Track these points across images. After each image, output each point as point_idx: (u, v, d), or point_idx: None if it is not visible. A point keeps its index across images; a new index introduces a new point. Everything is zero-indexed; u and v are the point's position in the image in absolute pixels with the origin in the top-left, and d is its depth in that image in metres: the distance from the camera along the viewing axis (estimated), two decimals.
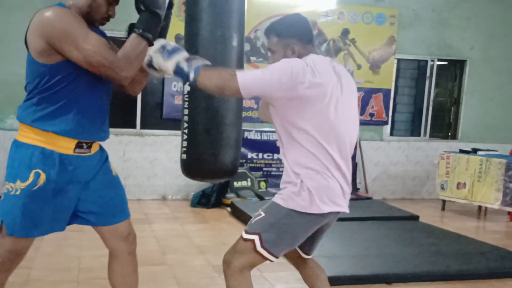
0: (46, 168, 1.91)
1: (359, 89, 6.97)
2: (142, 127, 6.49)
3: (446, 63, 7.48)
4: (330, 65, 2.13)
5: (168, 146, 6.48)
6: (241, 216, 5.49)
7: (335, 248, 4.25)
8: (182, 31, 6.20)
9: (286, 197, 2.05)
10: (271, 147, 6.73)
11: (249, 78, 2.01)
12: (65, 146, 1.94)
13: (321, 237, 2.27)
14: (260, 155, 6.74)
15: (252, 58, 6.75)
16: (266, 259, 2.08)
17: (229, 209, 5.95)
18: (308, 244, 2.25)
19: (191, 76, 2.03)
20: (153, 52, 2.06)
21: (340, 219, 5.73)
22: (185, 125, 3.11)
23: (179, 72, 2.05)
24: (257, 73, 2.04)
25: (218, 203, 6.11)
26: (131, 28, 2.00)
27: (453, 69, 7.52)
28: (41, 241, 4.11)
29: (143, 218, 5.47)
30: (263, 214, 2.08)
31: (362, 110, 7.03)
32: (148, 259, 3.97)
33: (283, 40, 2.16)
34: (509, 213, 5.99)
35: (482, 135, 7.38)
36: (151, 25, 1.95)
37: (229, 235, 4.89)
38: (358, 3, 6.87)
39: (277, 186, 6.74)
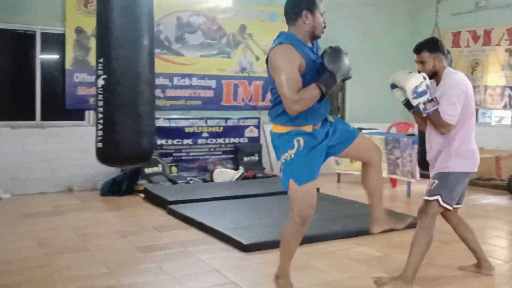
0: (302, 136, 2.69)
1: (259, 78, 7.54)
2: (43, 118, 6.34)
3: None
4: None
5: (72, 137, 6.41)
6: (155, 200, 5.64)
7: (252, 221, 4.63)
8: (83, 24, 6.45)
9: (451, 165, 3.09)
10: (180, 133, 6.96)
11: (449, 116, 3.02)
12: (307, 129, 2.73)
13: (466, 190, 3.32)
14: (170, 141, 6.91)
15: (156, 51, 7.16)
16: (447, 209, 3.12)
17: (142, 195, 6.05)
18: (461, 196, 3.27)
19: (424, 114, 3.04)
20: (409, 88, 2.98)
21: (252, 195, 6.13)
22: (100, 116, 3.36)
23: (417, 109, 3.05)
24: (451, 110, 3.01)
25: (130, 190, 6.16)
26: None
27: None
28: None
29: (51, 211, 5.34)
30: (437, 182, 3.10)
31: (263, 97, 7.58)
32: (68, 248, 4.00)
33: (433, 54, 3.12)
34: (391, 180, 6.80)
35: (365, 116, 8.34)
36: (329, 83, 2.59)
37: (147, 218, 5.04)
38: (252, 2, 7.50)
39: (188, 170, 6.97)
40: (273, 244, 3.84)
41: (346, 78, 2.70)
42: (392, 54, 8.59)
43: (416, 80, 2.99)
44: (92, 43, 6.38)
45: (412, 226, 4.20)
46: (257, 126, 7.50)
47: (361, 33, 8.47)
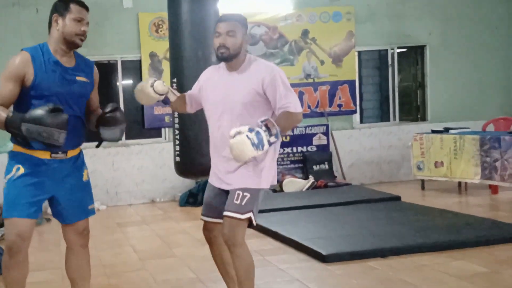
0: (25, 165, 2.41)
1: (325, 83, 7.33)
2: (127, 138, 6.78)
3: (405, 50, 7.84)
4: None
5: (152, 153, 6.85)
6: None
7: (328, 231, 4.43)
8: (155, 49, 6.81)
9: (264, 180, 2.58)
10: None
11: (298, 104, 2.53)
12: (41, 155, 2.43)
13: None
14: None
15: None
16: (254, 227, 2.63)
17: None
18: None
19: (279, 140, 2.48)
20: (252, 151, 2.34)
21: (325, 205, 6.01)
22: (177, 132, 3.64)
23: (271, 144, 2.43)
24: (295, 97, 2.54)
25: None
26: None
27: (414, 55, 7.90)
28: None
29: (140, 220, 5.81)
30: (248, 195, 2.52)
31: (330, 102, 7.35)
32: (158, 253, 4.34)
33: (243, 30, 2.59)
34: (490, 186, 6.11)
35: (451, 114, 7.64)
36: (13, 123, 2.30)
37: None
38: (314, 5, 7.31)
39: None
40: (352, 255, 3.77)
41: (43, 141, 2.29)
42: (482, 41, 7.73)
43: (244, 147, 2.33)
44: (164, 65, 6.76)
45: None
46: (325, 133, 7.28)
47: (442, 21, 7.65)
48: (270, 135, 2.38)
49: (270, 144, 2.39)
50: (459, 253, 3.77)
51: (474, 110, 7.71)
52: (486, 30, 7.79)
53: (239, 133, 2.36)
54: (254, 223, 2.56)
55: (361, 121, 7.65)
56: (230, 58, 2.56)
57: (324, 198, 5.89)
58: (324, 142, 7.27)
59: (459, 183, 6.38)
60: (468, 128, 6.65)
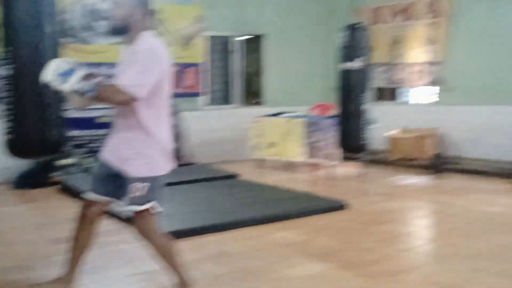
0: None
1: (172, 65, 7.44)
2: None
3: (252, 37, 8.34)
4: None
5: None
6: (71, 192, 5.47)
7: (171, 209, 4.56)
8: None
9: (156, 167, 2.60)
10: (92, 124, 6.80)
11: (131, 84, 2.34)
12: None
13: None
14: (84, 132, 6.72)
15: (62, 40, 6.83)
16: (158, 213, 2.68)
17: (57, 186, 5.85)
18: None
19: (90, 95, 2.35)
20: (51, 79, 2.32)
21: (170, 184, 6.15)
22: (8, 106, 3.24)
23: (77, 93, 2.34)
24: (133, 77, 2.35)
25: (44, 183, 5.95)
26: None
27: (256, 43, 8.44)
28: None
29: None
30: (141, 185, 2.54)
31: (178, 84, 7.43)
32: None
33: (133, 2, 2.48)
34: (312, 164, 6.89)
35: (285, 99, 8.40)
36: None
37: (62, 209, 4.92)
38: None
39: None
40: (191, 232, 3.96)
41: None
42: (308, 33, 8.60)
43: (50, 67, 2.37)
44: None
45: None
46: (173, 114, 7.44)
47: (278, 13, 8.36)
48: (82, 81, 2.33)
49: (80, 91, 2.32)
50: (282, 224, 4.24)
51: (303, 96, 8.54)
52: (311, 23, 8.66)
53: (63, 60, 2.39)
54: (155, 210, 2.63)
55: (207, 103, 7.94)
56: (116, 31, 2.52)
57: (170, 177, 6.04)
58: (173, 122, 7.39)
59: (288, 161, 7.07)
60: (299, 112, 7.36)
